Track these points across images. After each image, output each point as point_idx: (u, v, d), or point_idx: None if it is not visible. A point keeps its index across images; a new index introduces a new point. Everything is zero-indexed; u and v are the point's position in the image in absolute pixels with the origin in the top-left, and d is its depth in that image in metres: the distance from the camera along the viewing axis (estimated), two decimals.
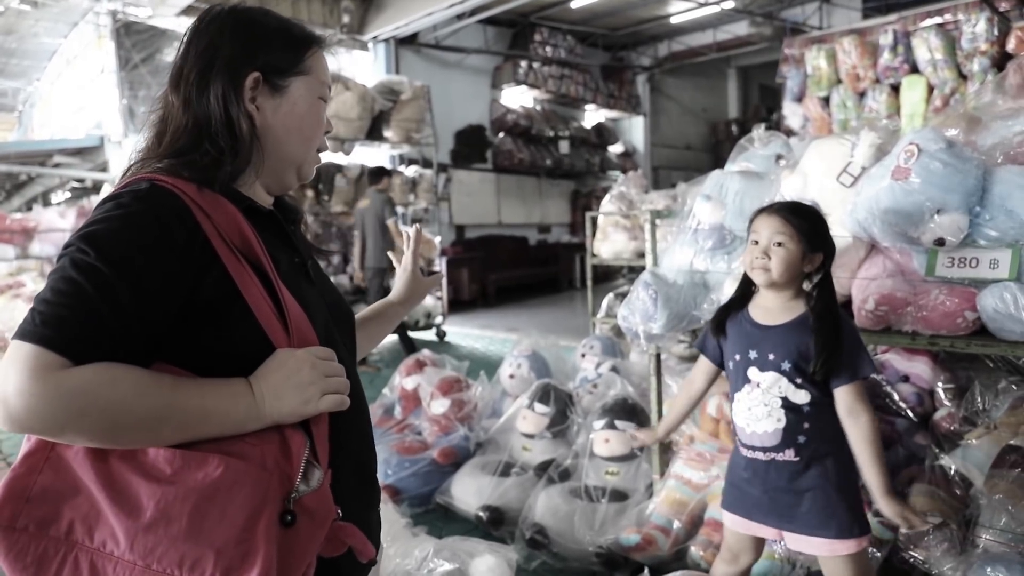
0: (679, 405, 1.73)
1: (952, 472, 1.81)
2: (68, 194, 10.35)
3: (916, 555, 1.72)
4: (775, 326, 1.47)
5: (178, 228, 0.70)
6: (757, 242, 1.46)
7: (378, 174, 5.37)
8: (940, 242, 1.58)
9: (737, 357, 1.51)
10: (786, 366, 1.43)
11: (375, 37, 8.32)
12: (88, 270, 0.65)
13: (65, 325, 0.63)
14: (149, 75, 7.36)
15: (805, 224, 1.44)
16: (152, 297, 0.67)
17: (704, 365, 1.65)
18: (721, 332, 1.57)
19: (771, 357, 1.45)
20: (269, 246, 0.78)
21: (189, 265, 0.70)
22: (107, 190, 4.68)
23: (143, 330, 0.67)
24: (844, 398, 1.43)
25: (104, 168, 7.49)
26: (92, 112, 7.88)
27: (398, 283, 1.17)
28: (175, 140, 0.78)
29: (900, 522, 1.40)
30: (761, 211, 1.50)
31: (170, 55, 7.92)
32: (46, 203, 10.44)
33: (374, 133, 6.43)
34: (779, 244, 1.42)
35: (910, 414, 2.07)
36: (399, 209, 6.04)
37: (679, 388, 2.56)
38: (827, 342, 1.39)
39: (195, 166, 0.76)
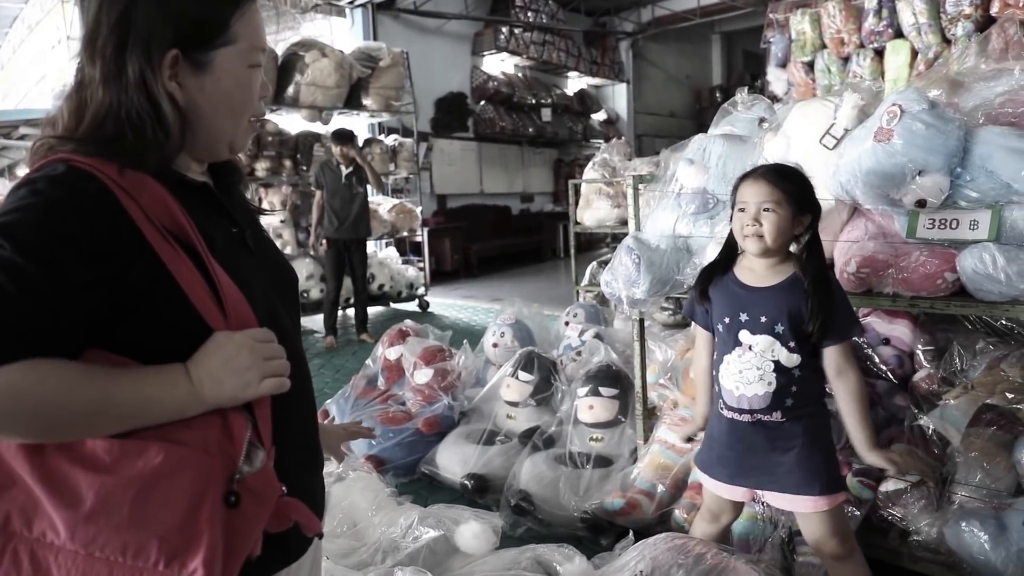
0: (700, 385, 1.64)
1: (930, 432, 1.85)
2: None
3: (894, 513, 1.76)
4: (765, 288, 1.46)
5: (100, 214, 0.66)
6: (744, 210, 1.43)
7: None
8: (921, 204, 1.57)
9: (727, 320, 1.49)
10: (779, 328, 1.42)
11: (352, 2, 8.08)
12: (6, 265, 0.61)
13: None
14: None
15: (793, 187, 1.42)
16: (77, 289, 0.63)
17: (702, 336, 1.60)
18: (706, 298, 1.55)
19: (763, 320, 1.44)
20: (203, 221, 0.74)
21: (115, 252, 0.66)
22: None
23: (70, 324, 0.64)
24: (834, 357, 1.44)
25: None
26: (56, 80, 7.58)
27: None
28: (98, 121, 0.71)
29: (889, 467, 1.46)
30: (745, 177, 1.47)
31: None
32: (12, 176, 10.14)
33: (352, 101, 6.28)
34: (768, 210, 1.40)
35: (890, 376, 2.09)
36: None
37: (661, 352, 2.59)
38: (822, 303, 1.39)
39: (123, 151, 0.70)
